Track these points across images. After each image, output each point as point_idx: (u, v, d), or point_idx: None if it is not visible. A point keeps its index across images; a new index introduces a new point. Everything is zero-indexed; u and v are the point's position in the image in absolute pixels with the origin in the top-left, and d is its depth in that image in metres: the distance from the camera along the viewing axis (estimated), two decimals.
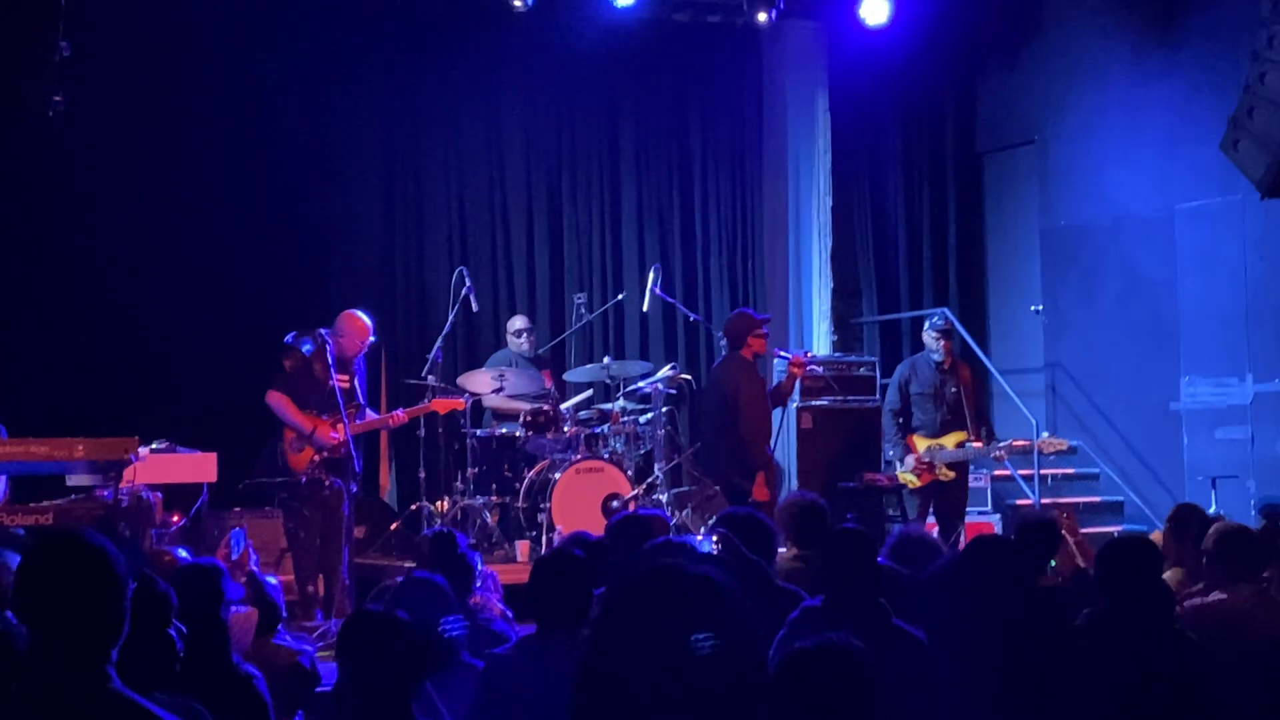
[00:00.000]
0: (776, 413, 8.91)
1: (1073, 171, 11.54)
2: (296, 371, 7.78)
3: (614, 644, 2.22)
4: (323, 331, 7.75)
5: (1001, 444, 9.06)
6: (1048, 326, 11.70)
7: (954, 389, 8.93)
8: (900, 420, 9.04)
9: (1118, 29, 11.04)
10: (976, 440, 8.85)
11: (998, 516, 10.19)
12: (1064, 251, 11.62)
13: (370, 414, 8.27)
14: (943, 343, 9.00)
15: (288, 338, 7.74)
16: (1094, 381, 11.30)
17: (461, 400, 8.97)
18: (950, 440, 8.87)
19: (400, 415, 8.36)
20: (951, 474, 8.86)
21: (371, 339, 8.04)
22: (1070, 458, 11.30)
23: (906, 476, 8.93)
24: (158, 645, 3.27)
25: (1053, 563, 6.02)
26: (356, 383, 7.97)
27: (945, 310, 10.24)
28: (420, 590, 4.39)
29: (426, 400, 8.77)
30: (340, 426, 7.62)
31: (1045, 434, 9.07)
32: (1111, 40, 11.11)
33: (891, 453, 9.12)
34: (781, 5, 10.51)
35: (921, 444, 8.91)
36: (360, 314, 8.04)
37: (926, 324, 9.26)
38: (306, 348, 7.67)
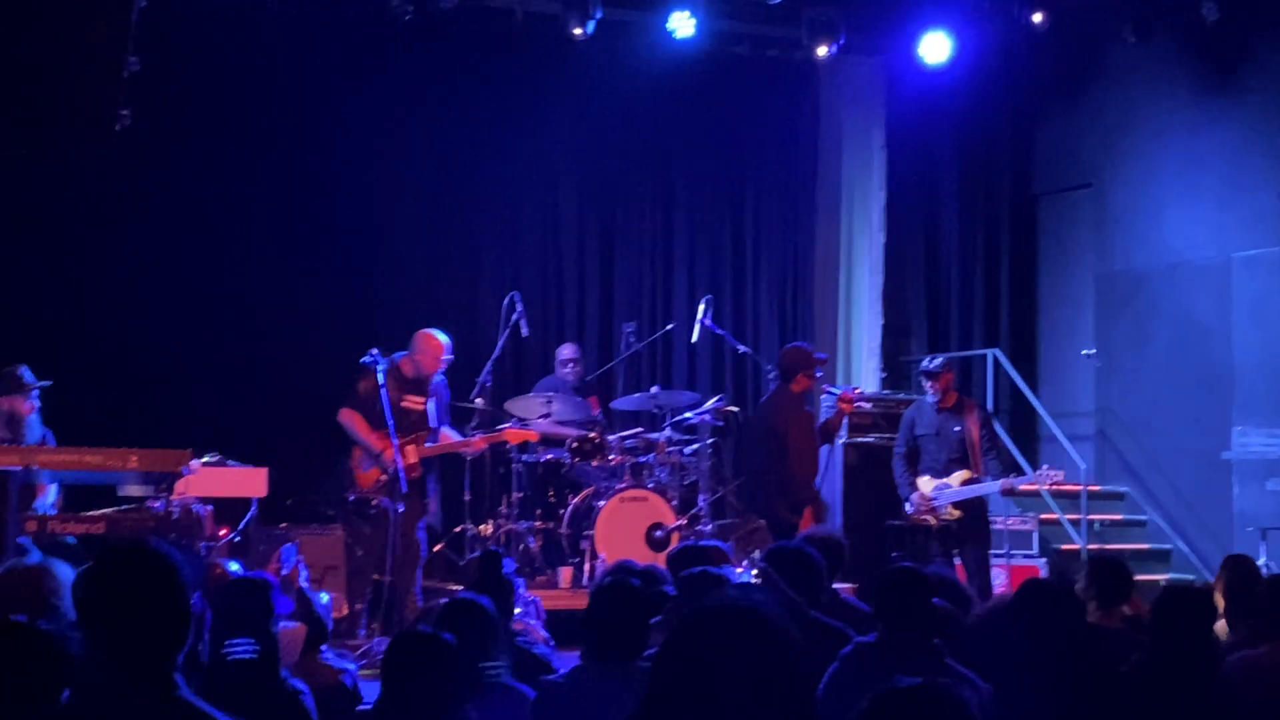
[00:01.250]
0: (824, 449, 8.87)
1: (1129, 216, 11.48)
2: (369, 393, 7.82)
3: (671, 678, 2.24)
4: (395, 355, 7.84)
5: (1005, 479, 8.97)
6: (1099, 371, 11.61)
7: (957, 429, 8.86)
8: (908, 462, 9.00)
9: (1177, 75, 10.99)
10: (981, 478, 8.78)
11: (1044, 560, 10.11)
12: (1118, 296, 11.55)
13: (450, 434, 8.30)
14: (930, 384, 8.93)
15: (364, 359, 7.77)
16: (1144, 428, 11.20)
17: (534, 433, 8.99)
18: (956, 479, 8.81)
19: (478, 441, 8.37)
20: (957, 513, 8.76)
21: (448, 356, 8.10)
22: (1118, 504, 11.23)
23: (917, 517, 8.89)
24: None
25: None
26: (432, 406, 8.02)
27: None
28: (464, 612, 4.38)
29: (500, 429, 8.84)
30: (407, 450, 7.65)
31: (1045, 466, 8.94)
32: (1171, 86, 11.06)
33: (902, 494, 9.07)
34: (842, 40, 10.51)
35: (928, 485, 8.86)
36: (435, 332, 8.13)
37: (919, 368, 9.22)
38: (381, 369, 7.68)
